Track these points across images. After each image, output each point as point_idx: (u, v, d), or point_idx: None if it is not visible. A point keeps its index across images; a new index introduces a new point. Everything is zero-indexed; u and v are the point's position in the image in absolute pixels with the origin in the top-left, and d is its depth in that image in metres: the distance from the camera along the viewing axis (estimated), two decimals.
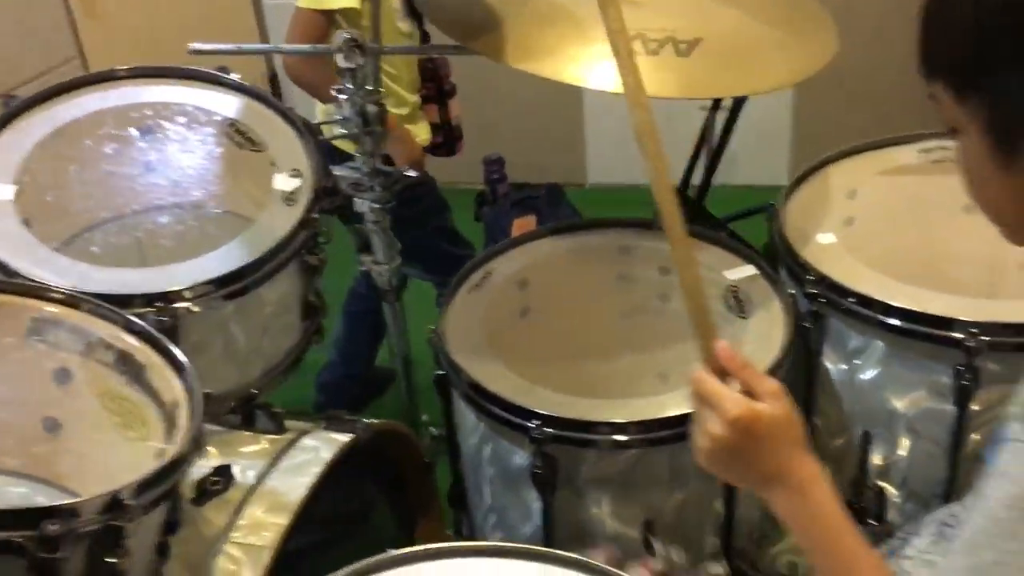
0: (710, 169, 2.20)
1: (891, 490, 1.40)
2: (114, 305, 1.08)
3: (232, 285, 1.19)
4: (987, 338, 1.22)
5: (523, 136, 2.94)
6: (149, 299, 1.13)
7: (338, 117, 1.53)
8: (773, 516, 0.85)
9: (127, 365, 1.02)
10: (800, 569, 1.33)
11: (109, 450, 1.05)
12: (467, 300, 1.45)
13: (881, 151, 1.61)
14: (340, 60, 1.38)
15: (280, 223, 1.24)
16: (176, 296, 1.15)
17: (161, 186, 1.31)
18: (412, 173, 1.63)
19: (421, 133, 2.10)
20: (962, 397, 1.26)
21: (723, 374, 0.84)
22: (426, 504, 1.58)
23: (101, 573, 0.85)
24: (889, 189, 1.58)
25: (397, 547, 1.52)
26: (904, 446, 1.36)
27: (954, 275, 1.51)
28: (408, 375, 1.75)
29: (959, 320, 1.24)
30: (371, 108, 1.51)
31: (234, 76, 1.40)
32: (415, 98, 2.10)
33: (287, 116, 1.35)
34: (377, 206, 1.57)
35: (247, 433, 1.31)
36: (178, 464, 0.89)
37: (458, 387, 1.34)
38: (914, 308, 1.27)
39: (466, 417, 1.37)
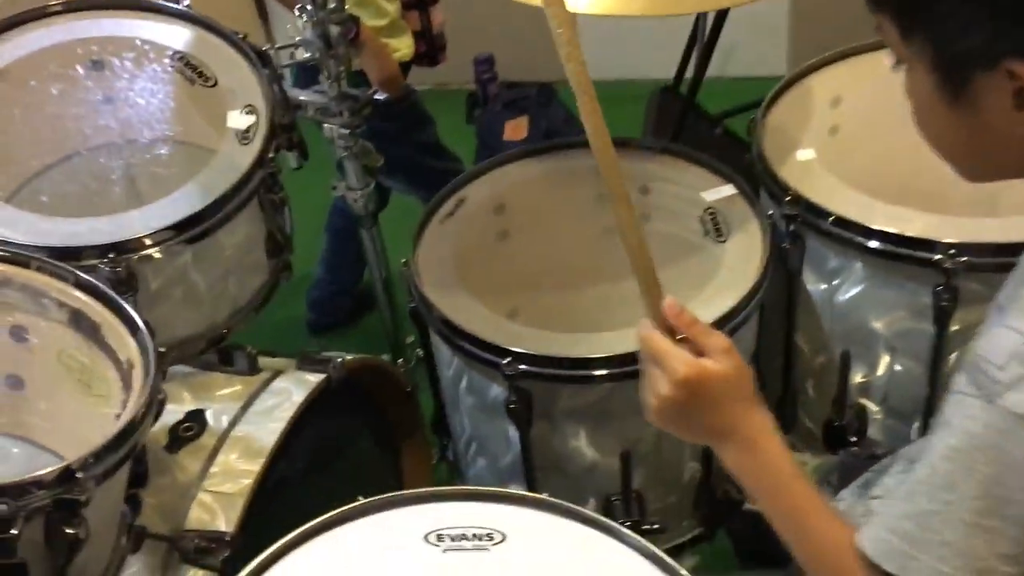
0: (702, 63, 2.13)
1: (872, 407, 1.39)
2: (66, 258, 1.07)
3: (190, 230, 1.16)
4: (966, 258, 1.19)
5: (513, 34, 2.84)
6: (103, 250, 1.11)
7: (298, 39, 1.48)
8: None
9: (81, 323, 1.01)
10: None
11: (76, 408, 1.04)
12: (439, 231, 1.42)
13: (870, 55, 1.55)
14: None
15: (236, 162, 1.20)
16: (133, 245, 1.13)
17: (111, 128, 1.27)
18: (380, 96, 1.59)
19: (402, 47, 2.01)
20: (941, 317, 1.24)
21: (672, 331, 0.82)
22: (410, 430, 1.59)
23: (60, 544, 0.85)
24: (876, 96, 1.51)
25: (382, 473, 1.57)
26: (884, 364, 1.35)
27: (941, 188, 1.46)
28: (390, 298, 1.74)
29: (938, 241, 1.21)
30: (334, 29, 1.46)
31: (185, 2, 1.35)
32: (394, 6, 2.02)
33: (239, 47, 1.30)
34: (346, 131, 1.54)
35: (221, 375, 1.31)
36: (130, 431, 0.88)
37: (431, 322, 1.32)
38: (892, 230, 1.24)
39: (440, 350, 1.36)
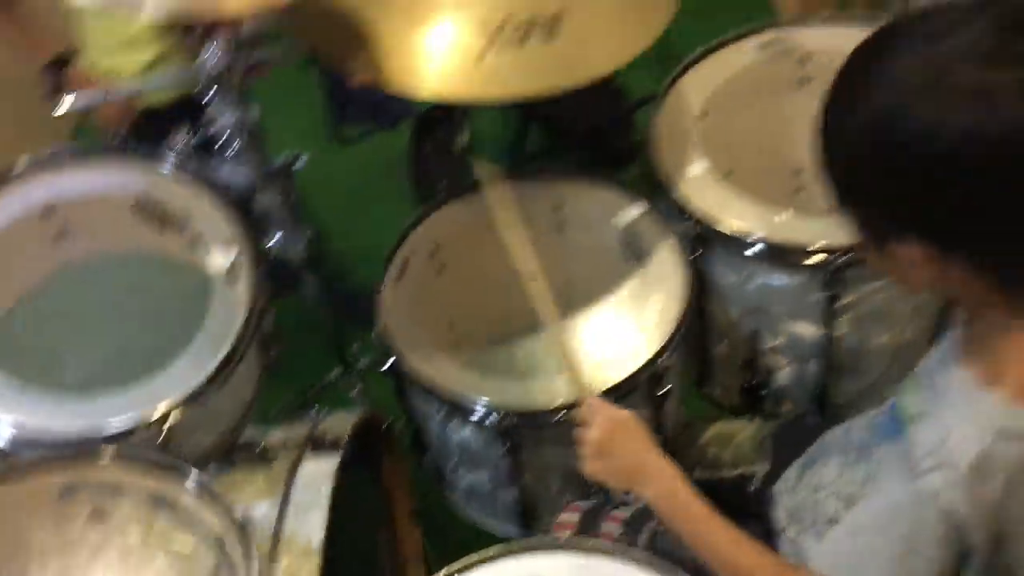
0: None
1: (778, 364, 1.68)
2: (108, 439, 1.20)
3: (215, 383, 1.30)
4: (848, 256, 1.46)
5: None
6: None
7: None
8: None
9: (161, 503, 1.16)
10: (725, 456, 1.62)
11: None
12: (394, 293, 1.59)
13: (721, 52, 1.75)
14: None
15: (231, 304, 1.33)
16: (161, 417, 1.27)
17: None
18: (299, 165, 1.70)
19: None
20: (832, 298, 1.51)
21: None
22: (389, 449, 1.80)
23: None
24: (737, 100, 1.73)
25: (371, 492, 1.77)
26: (786, 334, 1.63)
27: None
28: (337, 331, 1.92)
29: (821, 248, 1.46)
30: (253, 114, 1.57)
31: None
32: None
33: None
34: (280, 199, 1.66)
35: (239, 472, 1.47)
36: None
37: (416, 384, 1.51)
38: (780, 241, 1.49)
39: (427, 402, 1.56)
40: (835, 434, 1.30)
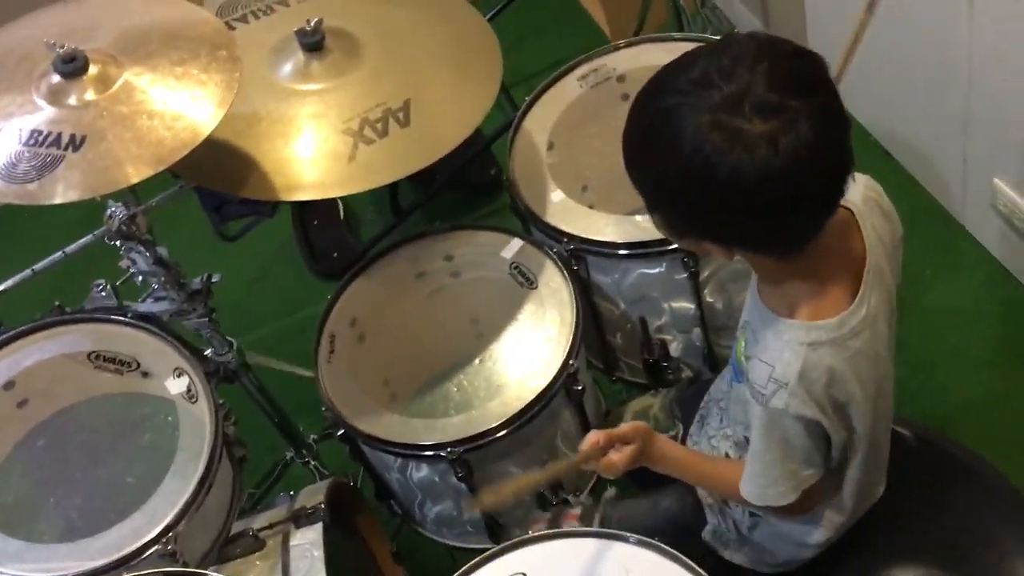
0: None
1: (668, 338, 1.95)
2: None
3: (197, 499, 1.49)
4: None
5: None
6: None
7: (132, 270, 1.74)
8: None
9: None
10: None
11: None
12: (329, 370, 1.80)
13: (550, 92, 2.01)
14: None
15: (198, 420, 1.52)
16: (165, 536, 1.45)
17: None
18: (215, 279, 1.89)
19: None
20: (693, 275, 1.78)
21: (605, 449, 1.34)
22: (359, 506, 2.00)
23: None
24: (575, 127, 2.00)
25: (352, 547, 1.97)
26: (667, 312, 1.89)
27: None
28: (281, 419, 2.11)
29: None
30: (162, 251, 1.75)
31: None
32: None
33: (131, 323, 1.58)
34: (204, 319, 1.85)
35: (238, 561, 1.66)
36: None
37: (367, 443, 1.72)
38: (640, 239, 1.75)
39: (380, 456, 1.77)
40: (713, 387, 1.59)
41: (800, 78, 1.05)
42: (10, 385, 1.58)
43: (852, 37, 1.67)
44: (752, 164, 1.02)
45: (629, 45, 2.02)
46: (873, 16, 1.74)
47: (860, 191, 1.26)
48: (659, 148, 1.10)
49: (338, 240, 2.91)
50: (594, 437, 1.35)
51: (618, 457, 1.35)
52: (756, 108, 1.03)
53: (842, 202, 1.21)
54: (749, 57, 1.05)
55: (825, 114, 1.05)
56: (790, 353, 1.17)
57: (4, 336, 1.57)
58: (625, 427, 1.36)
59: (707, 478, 1.43)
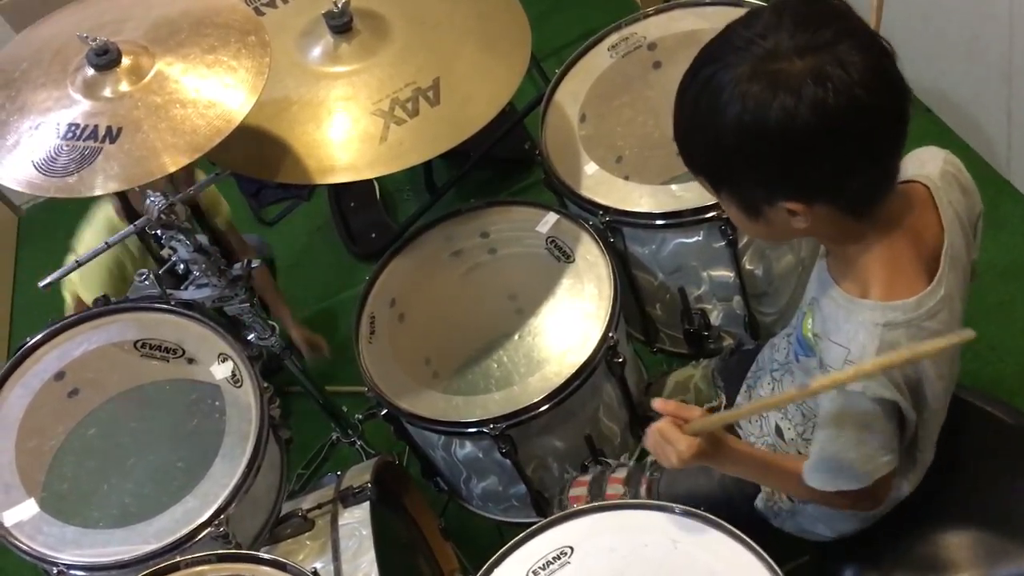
0: None
1: (709, 307, 1.94)
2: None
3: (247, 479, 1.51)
4: None
5: None
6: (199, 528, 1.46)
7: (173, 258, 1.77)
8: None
9: None
10: (689, 400, 1.87)
11: None
12: (371, 350, 1.81)
13: (580, 63, 2.00)
14: None
15: (245, 404, 1.54)
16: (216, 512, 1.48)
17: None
18: (255, 263, 1.91)
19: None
20: (731, 243, 1.76)
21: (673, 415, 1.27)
22: (405, 484, 2.02)
23: None
24: (607, 97, 1.98)
25: (401, 524, 1.99)
26: (706, 281, 1.88)
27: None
28: (326, 401, 2.13)
29: (710, 204, 1.71)
30: (202, 239, 1.77)
31: None
32: None
33: (175, 311, 1.61)
34: (246, 305, 1.87)
35: (290, 541, 1.68)
36: None
37: (414, 423, 1.73)
38: (677, 208, 1.73)
39: (425, 435, 1.78)
40: (763, 356, 1.56)
41: (824, 14, 1.06)
42: (60, 376, 1.61)
43: (873, 16, 1.63)
44: (803, 105, 1.02)
45: (659, 12, 1.99)
46: None
47: (939, 165, 1.24)
48: (706, 116, 1.10)
49: (376, 221, 2.93)
50: (662, 405, 1.27)
51: (686, 444, 1.25)
52: (792, 50, 1.03)
53: (919, 177, 1.21)
54: (771, 14, 1.07)
55: (861, 38, 1.04)
56: (865, 334, 1.14)
57: (52, 328, 1.61)
58: (696, 410, 1.27)
59: (781, 476, 1.35)
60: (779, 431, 1.44)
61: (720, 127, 1.08)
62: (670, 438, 1.24)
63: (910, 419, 1.21)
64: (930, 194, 1.21)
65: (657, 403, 1.27)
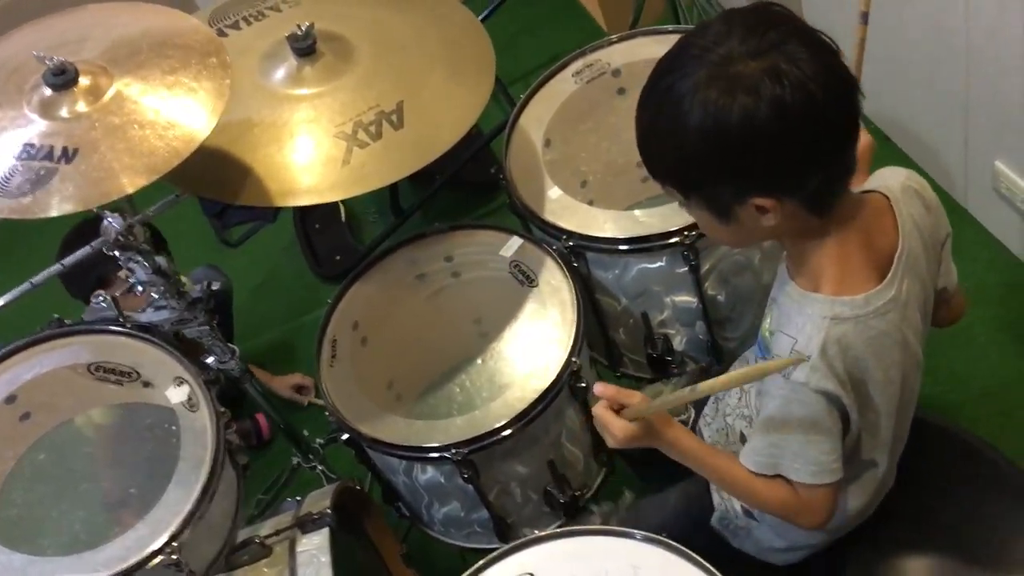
0: None
1: (672, 332, 1.94)
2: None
3: (201, 505, 1.48)
4: (696, 232, 1.71)
5: None
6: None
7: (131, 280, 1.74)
8: None
9: None
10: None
11: None
12: (332, 374, 1.79)
13: (545, 88, 2.00)
14: None
15: (199, 430, 1.51)
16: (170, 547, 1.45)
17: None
18: (216, 285, 1.89)
19: None
20: (694, 268, 1.77)
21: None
22: (367, 509, 2.00)
23: None
24: (572, 123, 1.99)
25: (361, 550, 1.97)
26: (669, 306, 1.88)
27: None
28: (286, 425, 2.11)
29: (674, 231, 1.71)
30: (161, 261, 1.75)
31: None
32: None
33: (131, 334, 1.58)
34: (206, 327, 1.85)
35: (247, 568, 1.65)
36: None
37: (374, 447, 1.72)
38: (640, 234, 1.73)
39: (386, 460, 1.76)
40: (732, 368, 1.57)
41: (770, 19, 1.11)
42: (11, 399, 1.58)
43: (856, 52, 1.67)
44: (762, 103, 1.06)
45: (623, 39, 2.01)
46: (868, 26, 1.72)
47: (900, 180, 1.29)
48: (670, 125, 1.13)
49: (341, 243, 2.92)
50: (602, 388, 1.31)
51: (619, 428, 1.29)
52: (745, 53, 1.08)
53: (879, 188, 1.26)
54: (721, 24, 1.12)
55: (806, 37, 1.10)
56: (812, 326, 1.18)
57: (4, 350, 1.58)
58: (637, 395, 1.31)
59: (719, 470, 1.37)
60: (743, 439, 1.45)
61: (684, 134, 1.12)
62: (604, 422, 1.30)
63: (853, 419, 1.24)
64: (889, 204, 1.25)
65: (598, 387, 1.31)
